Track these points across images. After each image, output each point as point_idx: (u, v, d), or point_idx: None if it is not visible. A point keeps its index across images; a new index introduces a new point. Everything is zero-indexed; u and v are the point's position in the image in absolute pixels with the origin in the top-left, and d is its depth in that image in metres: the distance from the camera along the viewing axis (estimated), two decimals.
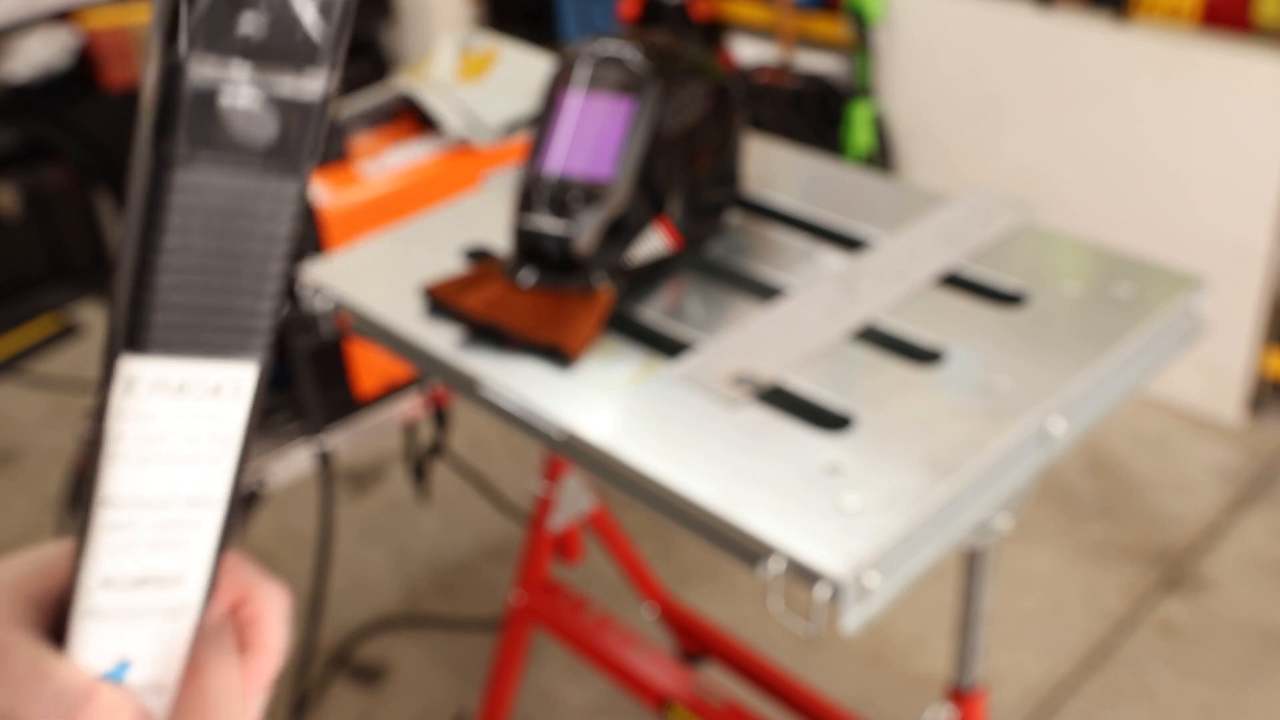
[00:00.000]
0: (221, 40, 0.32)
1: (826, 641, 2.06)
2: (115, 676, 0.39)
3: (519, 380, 1.08)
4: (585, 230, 1.13)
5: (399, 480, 2.48)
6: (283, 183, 0.34)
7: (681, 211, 1.22)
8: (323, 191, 1.81)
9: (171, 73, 0.32)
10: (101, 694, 0.37)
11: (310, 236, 1.74)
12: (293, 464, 1.82)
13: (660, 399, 1.05)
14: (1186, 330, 1.17)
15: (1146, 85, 2.47)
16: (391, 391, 2.02)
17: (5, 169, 3.01)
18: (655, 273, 1.23)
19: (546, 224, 1.13)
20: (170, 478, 0.37)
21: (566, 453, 1.04)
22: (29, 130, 3.02)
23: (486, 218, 1.36)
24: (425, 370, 1.17)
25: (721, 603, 2.15)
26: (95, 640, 0.38)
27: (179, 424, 0.36)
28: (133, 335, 0.34)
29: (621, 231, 1.16)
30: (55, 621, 0.39)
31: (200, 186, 0.33)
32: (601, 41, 1.20)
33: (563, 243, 1.13)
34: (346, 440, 2.00)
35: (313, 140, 0.34)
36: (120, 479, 0.36)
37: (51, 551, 0.40)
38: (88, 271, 3.18)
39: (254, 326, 0.36)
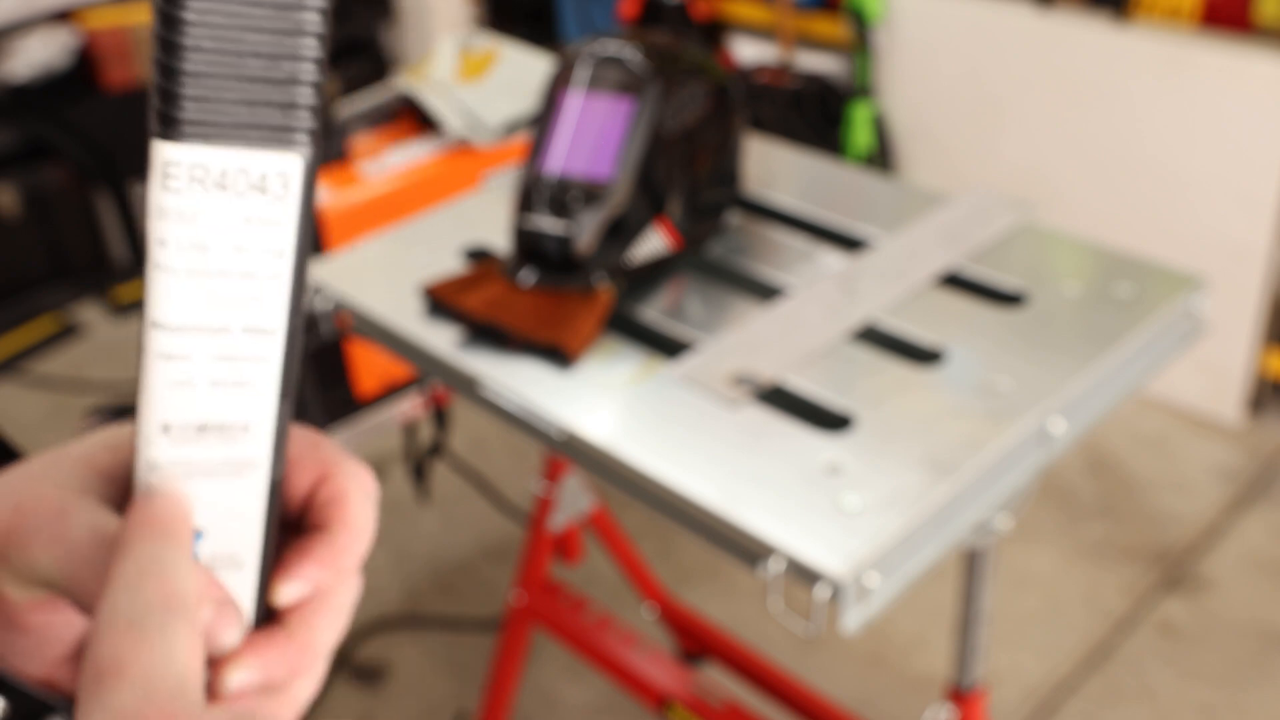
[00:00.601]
0: None
1: (826, 641, 2.06)
2: None
3: (519, 380, 1.08)
4: (585, 230, 1.13)
5: (399, 480, 2.48)
6: None
7: (681, 211, 1.22)
8: (323, 191, 1.81)
9: None
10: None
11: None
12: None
13: (660, 399, 1.05)
14: (1186, 330, 1.17)
15: (1146, 85, 2.47)
16: (391, 391, 2.02)
17: (5, 169, 3.01)
18: (655, 273, 1.23)
19: (546, 224, 1.13)
20: (223, 297, 0.34)
21: (566, 453, 1.04)
22: (29, 130, 3.02)
23: (486, 218, 1.36)
24: (425, 370, 1.17)
25: (721, 603, 2.15)
26: None
27: (225, 228, 0.34)
28: (165, 119, 0.32)
29: (621, 231, 1.16)
30: (125, 495, 0.37)
31: None
32: (601, 41, 1.20)
33: (563, 243, 1.13)
34: (346, 440, 2.00)
35: None
36: (168, 296, 0.34)
37: (127, 429, 0.38)
38: (88, 271, 3.18)
39: (295, 107, 0.33)
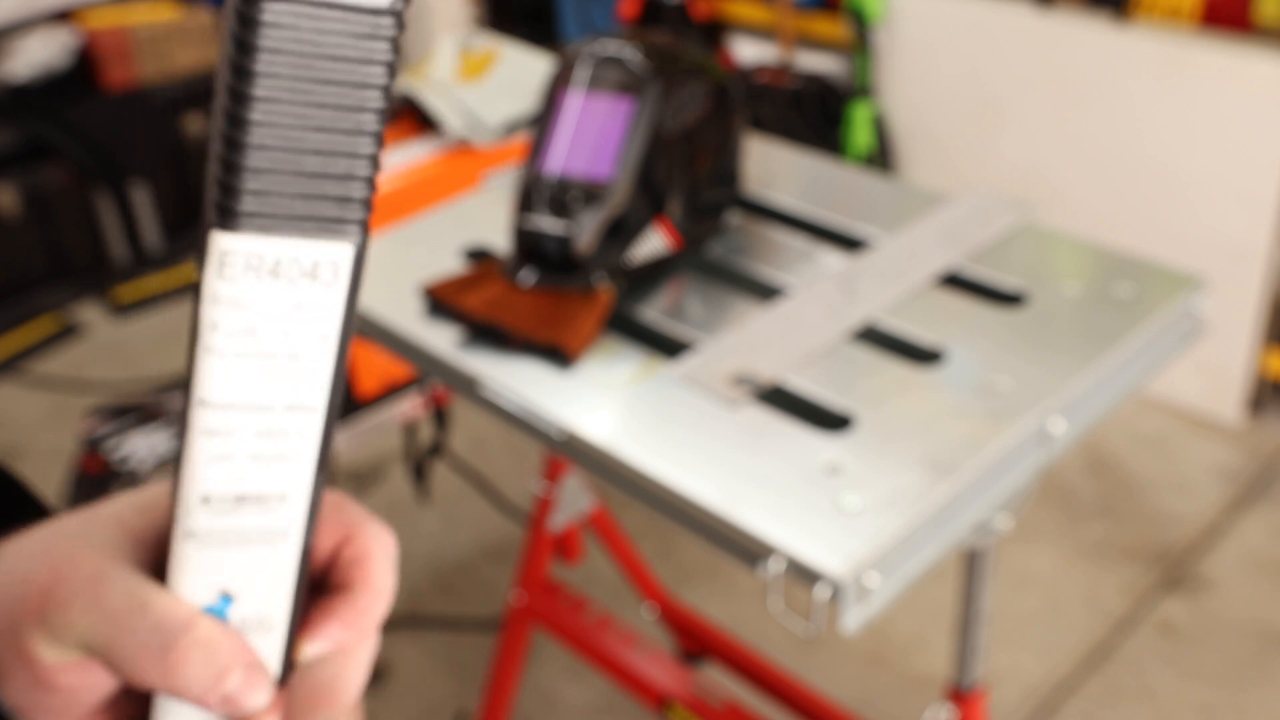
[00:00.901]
0: None
1: (826, 641, 2.06)
2: (218, 612, 0.37)
3: (519, 380, 1.08)
4: (585, 230, 1.13)
5: (399, 480, 2.48)
6: (376, 16, 0.33)
7: (681, 211, 1.22)
8: None
9: None
10: (200, 625, 0.36)
11: None
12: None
13: (660, 399, 1.05)
14: (1186, 330, 1.17)
15: (1146, 85, 2.47)
16: (391, 391, 2.02)
17: (5, 169, 3.01)
18: (655, 273, 1.23)
19: (546, 224, 1.13)
20: (268, 378, 0.35)
21: (566, 453, 1.04)
22: (29, 130, 3.03)
23: (486, 218, 1.36)
24: (425, 370, 1.17)
25: (721, 603, 2.15)
26: (195, 568, 0.37)
27: (275, 314, 0.35)
28: (224, 210, 0.33)
29: (621, 231, 1.16)
30: (157, 558, 0.38)
31: (287, 24, 0.32)
32: (601, 41, 1.20)
33: (563, 243, 1.13)
34: (346, 440, 2.00)
35: None
36: (216, 376, 0.35)
37: (158, 489, 0.39)
38: (88, 271, 3.18)
39: (350, 200, 0.35)
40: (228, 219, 0.33)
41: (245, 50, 0.32)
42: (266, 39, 0.32)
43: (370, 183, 0.35)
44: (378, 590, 0.40)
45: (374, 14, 0.33)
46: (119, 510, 0.39)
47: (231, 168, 0.33)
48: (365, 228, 0.35)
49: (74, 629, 0.35)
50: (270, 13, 0.32)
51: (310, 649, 0.39)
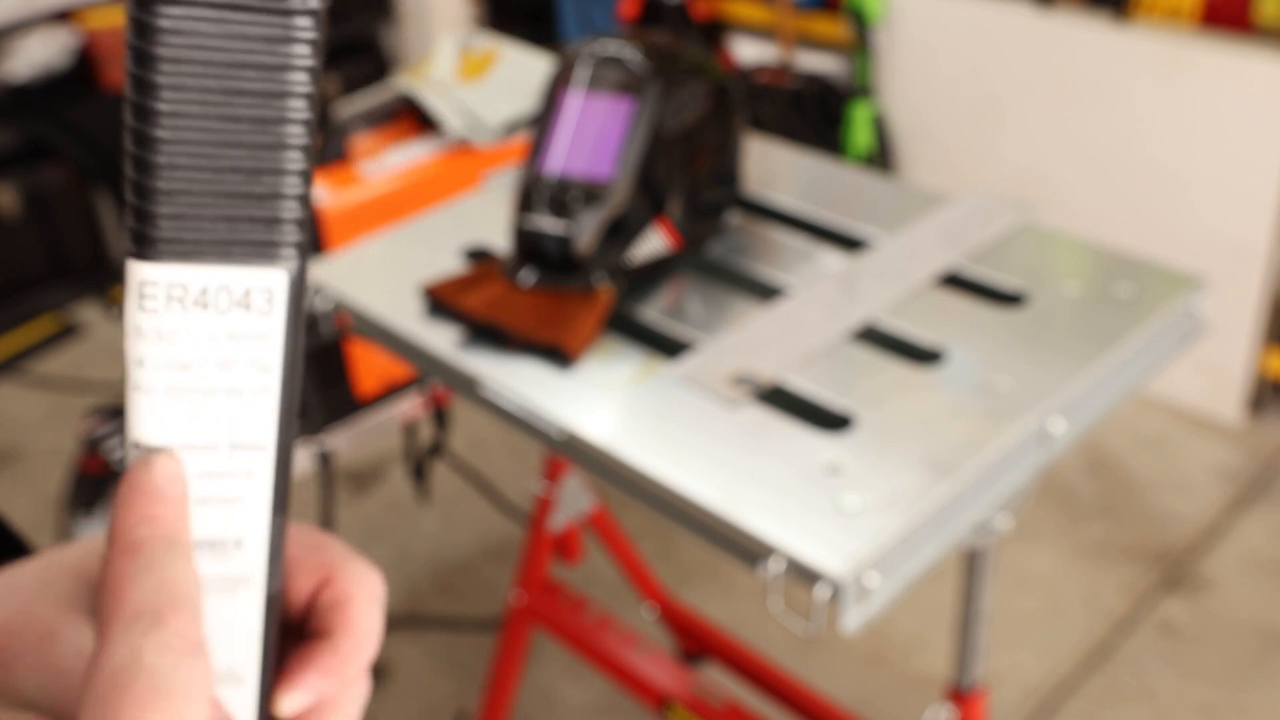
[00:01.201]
0: None
1: (826, 641, 2.06)
2: None
3: (519, 380, 1.08)
4: (585, 230, 1.13)
5: (399, 480, 2.48)
6: (289, 17, 0.31)
7: (681, 211, 1.22)
8: (323, 191, 1.81)
9: None
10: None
11: (310, 237, 1.74)
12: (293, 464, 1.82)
13: (660, 399, 1.05)
14: (1186, 330, 1.17)
15: (1146, 85, 2.47)
16: (391, 391, 2.02)
17: (5, 169, 3.01)
18: (655, 273, 1.23)
19: (546, 224, 1.13)
20: (208, 414, 0.33)
21: (566, 453, 1.04)
22: (29, 130, 3.02)
23: (486, 218, 1.36)
24: (425, 370, 1.17)
25: (721, 603, 2.15)
26: None
27: (208, 345, 0.32)
28: (140, 238, 0.31)
29: (621, 231, 1.16)
30: None
31: (188, 30, 0.30)
32: (601, 41, 1.20)
33: (563, 243, 1.13)
34: (346, 440, 2.00)
35: None
36: (149, 417, 0.32)
37: None
38: (88, 271, 3.18)
39: (279, 222, 0.32)
40: (143, 247, 0.31)
41: (144, 61, 0.30)
42: (166, 47, 0.30)
43: (303, 201, 0.32)
44: (361, 635, 0.37)
45: (286, 15, 0.31)
46: (81, 556, 0.37)
47: (143, 191, 0.31)
48: (302, 250, 0.33)
49: (22, 688, 0.34)
50: (167, 18, 0.30)
51: (288, 701, 0.36)
